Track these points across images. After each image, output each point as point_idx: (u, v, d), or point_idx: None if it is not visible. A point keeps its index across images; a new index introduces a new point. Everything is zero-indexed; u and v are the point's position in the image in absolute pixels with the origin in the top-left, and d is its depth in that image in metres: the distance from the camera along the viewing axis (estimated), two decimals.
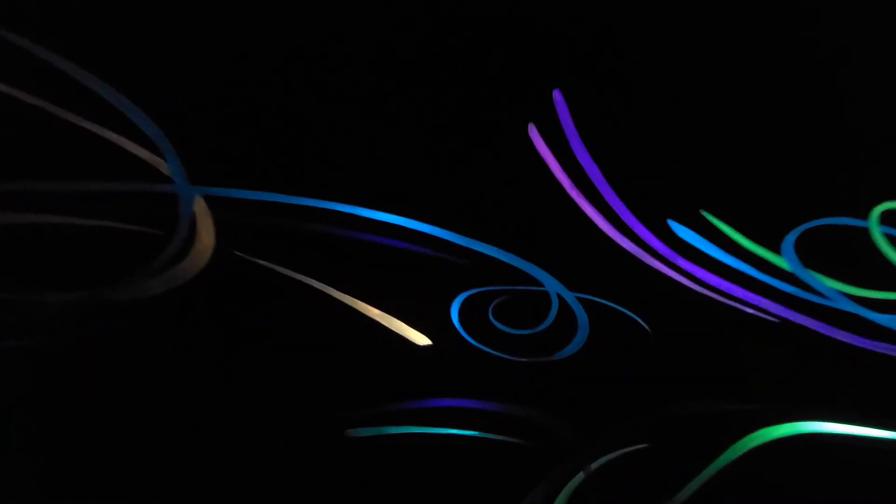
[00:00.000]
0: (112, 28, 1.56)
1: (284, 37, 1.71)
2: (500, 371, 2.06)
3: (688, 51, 2.16)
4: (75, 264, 1.53)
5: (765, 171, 2.25)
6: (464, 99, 1.92)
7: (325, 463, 1.76)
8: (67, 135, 1.51)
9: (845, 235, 2.32)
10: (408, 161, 1.90)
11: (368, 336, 1.91)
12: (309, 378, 1.82)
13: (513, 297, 2.08)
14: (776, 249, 2.30)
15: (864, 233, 2.28)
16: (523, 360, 2.08)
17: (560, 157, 2.11)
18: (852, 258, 2.33)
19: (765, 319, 2.31)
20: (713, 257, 2.27)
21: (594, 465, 2.08)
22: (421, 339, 1.98)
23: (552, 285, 2.13)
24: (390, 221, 1.95)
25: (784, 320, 2.31)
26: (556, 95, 2.11)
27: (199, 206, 1.70)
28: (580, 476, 2.05)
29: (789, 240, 2.31)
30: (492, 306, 2.06)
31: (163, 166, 1.66)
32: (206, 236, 1.71)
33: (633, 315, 2.20)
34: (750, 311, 2.31)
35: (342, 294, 1.89)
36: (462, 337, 2.02)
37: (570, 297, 2.15)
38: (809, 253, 2.32)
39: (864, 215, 2.28)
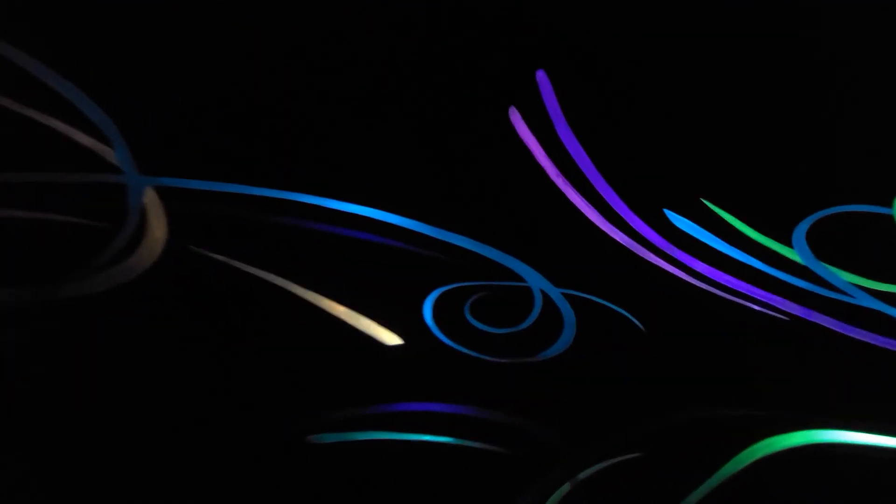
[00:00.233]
0: (56, 13, 1.42)
1: (240, 19, 1.55)
2: (477, 373, 1.85)
3: (684, 24, 1.92)
4: (16, 259, 1.40)
5: (772, 154, 1.99)
6: (439, 81, 1.72)
7: (284, 471, 1.58)
8: (9, 124, 1.38)
9: (864, 224, 2.04)
10: (377, 148, 1.71)
11: (333, 335, 1.72)
12: (268, 380, 1.64)
13: (492, 293, 1.87)
14: (786, 241, 2.04)
15: (887, 221, 2.00)
16: (504, 361, 1.86)
17: (544, 143, 1.89)
18: (873, 249, 2.05)
19: (773, 317, 2.05)
20: (715, 249, 2.02)
21: (581, 476, 1.85)
22: (391, 339, 1.79)
23: (535, 281, 1.91)
24: (357, 213, 1.76)
25: (795, 318, 2.04)
26: (540, 76, 1.89)
27: (150, 198, 1.54)
28: (566, 488, 1.82)
29: (801, 230, 2.04)
30: (468, 303, 1.85)
31: (111, 155, 1.51)
32: (158, 229, 1.55)
33: (625, 313, 1.97)
34: (756, 308, 2.05)
35: (305, 290, 1.71)
36: (435, 336, 1.82)
37: (555, 293, 1.93)
38: (824, 244, 2.05)
39: (887, 202, 2.01)
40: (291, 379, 1.67)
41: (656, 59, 1.94)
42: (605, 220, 1.96)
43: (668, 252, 2.00)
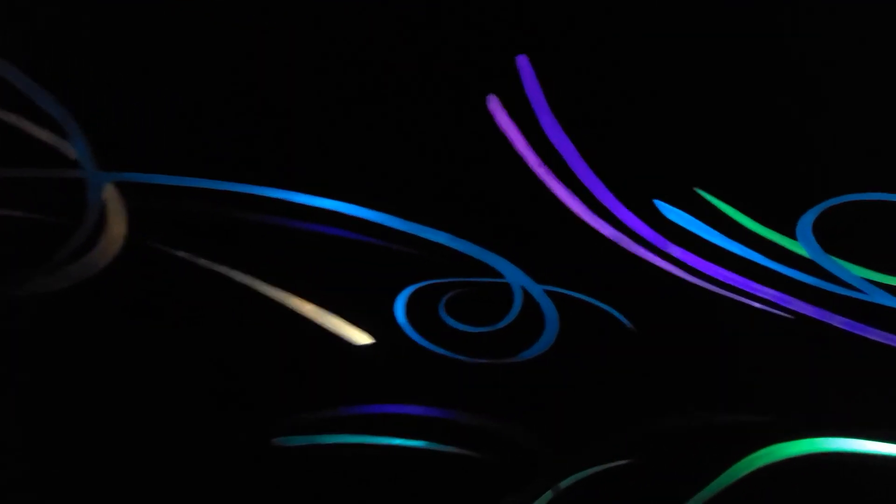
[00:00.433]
0: (10, 2, 1.36)
1: (199, 10, 1.46)
2: (453, 374, 1.71)
3: (675, 1, 1.74)
4: None
5: (773, 138, 1.80)
6: (411, 67, 1.59)
7: (248, 475, 1.48)
8: None
9: (878, 214, 1.84)
10: (345, 139, 1.59)
11: (301, 335, 1.61)
12: (233, 381, 1.54)
13: (468, 290, 1.73)
14: (790, 233, 1.84)
15: None
16: (481, 361, 1.72)
17: (525, 131, 1.74)
18: (887, 242, 1.84)
19: (776, 315, 1.85)
20: (711, 243, 1.84)
21: (564, 484, 1.70)
22: (361, 338, 1.66)
23: (515, 277, 1.76)
24: (325, 207, 1.64)
25: (800, 316, 1.84)
26: (521, 61, 1.74)
27: (110, 193, 1.46)
28: (548, 496, 1.67)
29: (806, 221, 1.84)
30: (443, 301, 1.71)
31: (69, 150, 1.44)
32: (117, 226, 1.47)
33: (612, 310, 1.80)
34: (757, 305, 1.86)
35: (271, 288, 1.60)
36: (408, 336, 1.69)
37: (536, 290, 1.77)
38: (833, 236, 1.85)
39: None
40: (256, 379, 1.56)
41: (645, 40, 1.77)
42: (590, 213, 1.80)
43: (659, 246, 1.82)
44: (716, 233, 1.82)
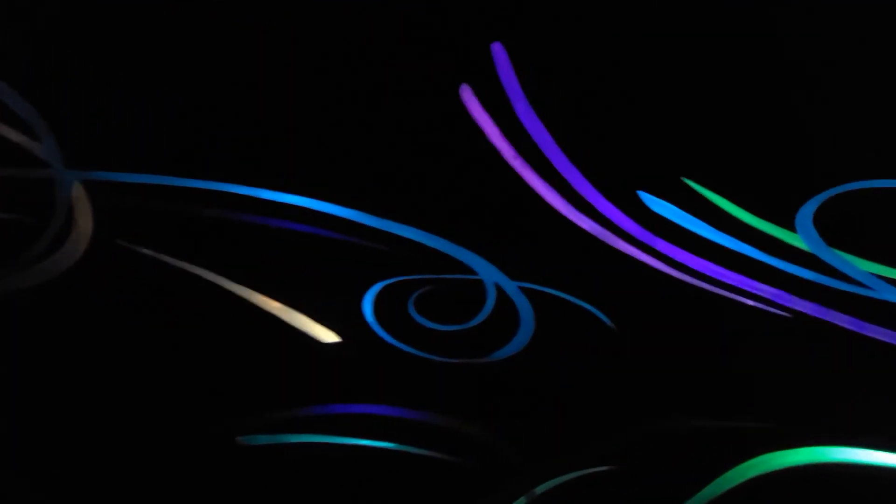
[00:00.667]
0: None
1: (164, 8, 1.40)
2: (422, 374, 1.60)
3: None
4: None
5: (767, 121, 1.62)
6: (380, 56, 1.49)
7: (211, 473, 1.41)
8: None
9: (885, 203, 1.63)
10: (314, 132, 1.51)
11: (267, 332, 1.53)
12: (198, 379, 1.48)
13: (439, 287, 1.62)
14: (789, 224, 1.66)
15: None
16: (451, 361, 1.61)
17: (500, 122, 1.62)
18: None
19: (772, 314, 1.67)
20: (699, 236, 1.67)
21: (539, 490, 1.56)
22: (327, 336, 1.58)
23: (488, 273, 1.64)
24: (291, 203, 1.56)
25: (799, 314, 1.65)
26: (496, 49, 1.62)
27: (78, 192, 1.43)
28: (523, 502, 1.55)
29: (807, 211, 1.65)
30: (412, 298, 1.61)
31: (38, 149, 1.41)
32: (84, 224, 1.43)
33: (592, 309, 1.66)
34: (751, 303, 1.68)
35: (237, 285, 1.54)
36: (376, 334, 1.59)
37: (510, 286, 1.65)
38: (835, 228, 1.66)
39: None
40: (221, 377, 1.49)
41: (626, 22, 1.62)
42: (568, 206, 1.66)
43: (643, 240, 1.66)
44: (705, 225, 1.65)
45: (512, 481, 1.52)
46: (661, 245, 1.63)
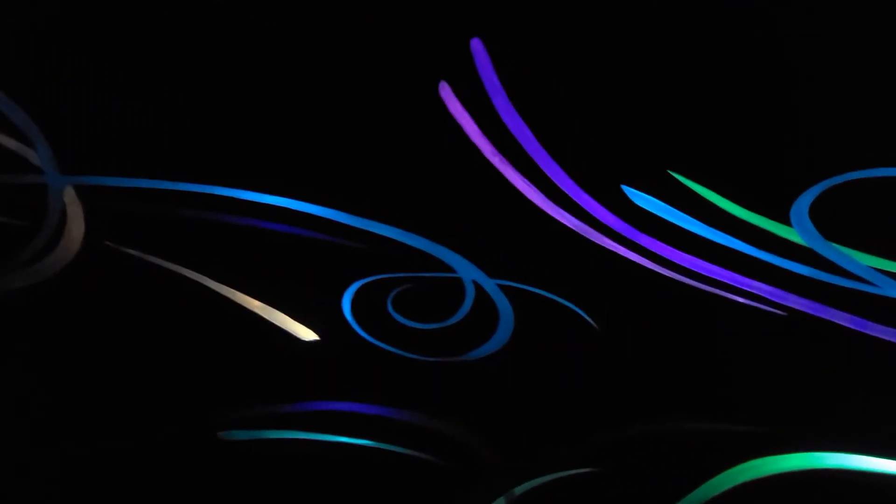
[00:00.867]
0: None
1: (150, 15, 1.40)
2: (400, 372, 1.55)
3: None
4: None
5: (758, 109, 1.49)
6: (357, 54, 1.45)
7: (195, 467, 1.40)
8: None
9: (888, 193, 1.48)
10: (291, 131, 1.48)
11: (248, 330, 1.51)
12: (181, 375, 1.47)
13: (417, 285, 1.56)
14: (783, 218, 1.53)
15: None
16: (429, 359, 1.55)
17: (479, 119, 1.55)
18: None
19: (765, 312, 1.54)
20: (687, 231, 1.55)
21: (518, 491, 1.49)
22: (307, 334, 1.55)
23: (466, 271, 1.57)
24: (271, 203, 1.54)
25: (794, 312, 1.52)
26: (476, 45, 1.55)
27: (70, 196, 1.45)
28: (501, 502, 1.47)
29: (802, 203, 1.51)
30: (391, 296, 1.56)
31: (33, 156, 1.44)
32: (76, 227, 1.45)
33: (572, 306, 1.57)
34: (742, 300, 1.55)
35: (219, 284, 1.52)
36: (355, 332, 1.55)
37: (489, 284, 1.57)
38: (833, 220, 1.52)
39: None
40: (203, 374, 1.48)
41: (606, 14, 1.53)
42: (549, 202, 1.57)
43: (626, 235, 1.56)
44: (693, 220, 1.53)
45: (490, 481, 1.44)
46: (646, 241, 1.52)
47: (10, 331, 1.38)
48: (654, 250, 1.44)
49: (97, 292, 1.40)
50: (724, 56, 1.37)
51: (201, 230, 1.42)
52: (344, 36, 1.39)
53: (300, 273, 1.43)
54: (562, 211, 1.46)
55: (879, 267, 1.36)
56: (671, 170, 1.41)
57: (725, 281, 1.42)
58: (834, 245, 1.37)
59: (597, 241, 1.44)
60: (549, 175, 1.46)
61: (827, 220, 1.37)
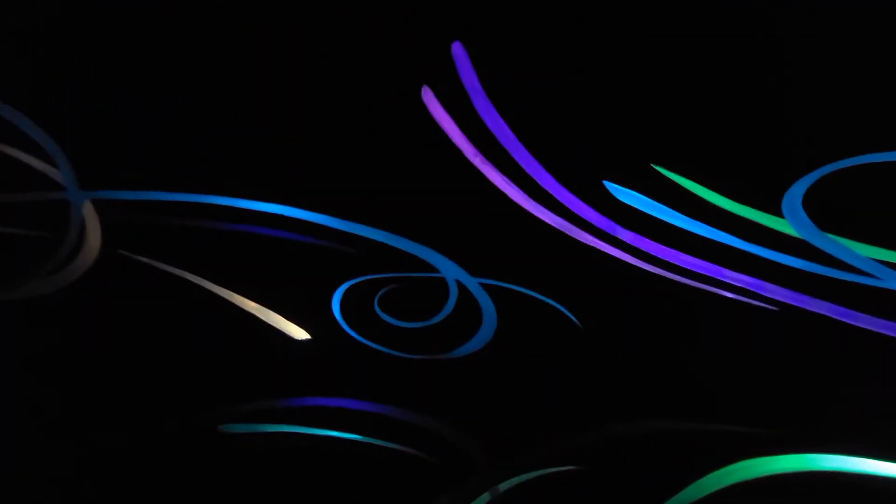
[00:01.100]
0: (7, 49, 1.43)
1: (155, 41, 1.42)
2: (387, 369, 1.51)
3: None
4: None
5: (743, 100, 1.36)
6: (342, 63, 1.42)
7: (198, 457, 1.42)
8: None
9: (888, 179, 1.32)
10: (280, 141, 1.48)
11: (245, 330, 1.52)
12: (186, 372, 1.50)
13: (402, 285, 1.52)
14: (774, 209, 1.39)
15: None
16: (414, 357, 1.51)
17: (461, 121, 1.50)
18: None
19: (756, 307, 1.41)
20: (672, 225, 1.44)
21: (503, 487, 1.42)
22: (299, 333, 1.54)
23: (450, 270, 1.52)
24: (264, 210, 1.54)
25: (786, 307, 1.38)
26: (456, 49, 1.50)
27: (88, 210, 1.50)
28: (486, 498, 1.42)
29: (795, 193, 1.37)
30: (377, 296, 1.53)
31: (56, 174, 1.50)
32: (94, 238, 1.51)
33: (556, 304, 1.49)
34: (730, 295, 1.43)
35: (218, 287, 1.54)
36: (344, 331, 1.53)
37: (472, 283, 1.52)
38: (828, 210, 1.37)
39: None
40: (205, 370, 1.50)
41: (583, 10, 1.44)
42: (530, 200, 1.50)
43: (609, 231, 1.47)
44: (677, 214, 1.41)
45: (475, 477, 1.39)
46: (628, 236, 1.42)
47: (38, 331, 1.45)
48: (637, 246, 1.34)
49: (112, 296, 1.44)
50: (704, 49, 1.26)
51: (202, 237, 1.44)
52: (330, 44, 1.37)
53: (292, 275, 1.42)
54: (543, 209, 1.38)
55: (881, 258, 1.21)
56: (654, 164, 1.31)
57: (712, 276, 1.31)
58: (830, 236, 1.23)
59: (579, 239, 1.36)
60: (530, 174, 1.39)
61: (822, 210, 1.24)
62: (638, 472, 1.17)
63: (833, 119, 1.16)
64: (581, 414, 1.24)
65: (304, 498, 1.25)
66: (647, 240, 1.27)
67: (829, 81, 1.15)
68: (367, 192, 1.35)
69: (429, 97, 1.36)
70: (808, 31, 1.10)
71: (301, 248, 1.36)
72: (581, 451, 1.21)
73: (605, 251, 1.27)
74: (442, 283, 1.31)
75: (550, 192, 1.32)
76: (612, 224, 1.28)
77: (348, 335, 1.33)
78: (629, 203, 1.27)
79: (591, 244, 1.28)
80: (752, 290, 1.22)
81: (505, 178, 1.33)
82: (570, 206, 1.31)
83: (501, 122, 1.32)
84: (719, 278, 1.24)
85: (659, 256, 1.26)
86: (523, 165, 1.33)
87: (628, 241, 1.27)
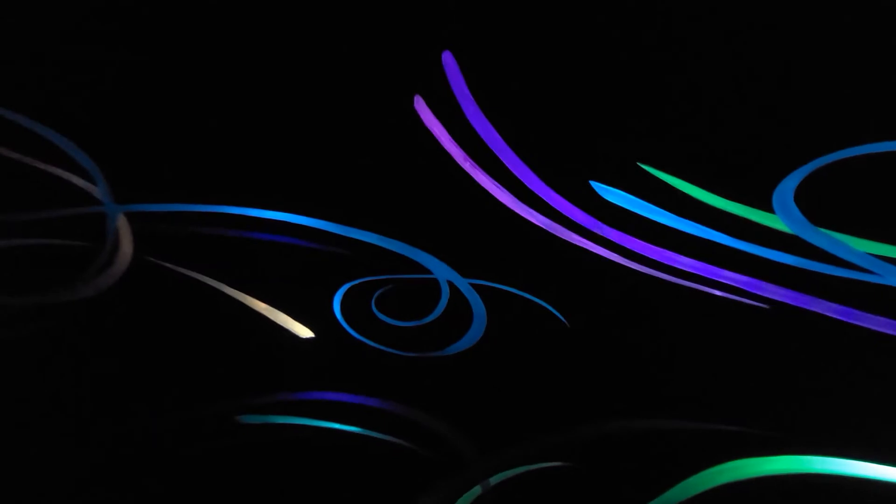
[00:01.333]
0: (55, 83, 1.52)
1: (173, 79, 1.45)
2: (384, 366, 1.50)
3: None
4: (29, 274, 1.57)
5: (728, 94, 1.26)
6: (337, 76, 1.41)
7: (218, 444, 1.46)
8: (25, 175, 1.54)
9: (886, 170, 1.19)
10: (288, 153, 1.50)
11: (256, 329, 1.56)
12: (207, 367, 1.54)
13: (397, 286, 1.51)
14: (764, 205, 1.29)
15: None
16: (409, 354, 1.49)
17: (451, 127, 1.47)
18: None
19: (746, 305, 1.31)
20: (659, 224, 1.36)
21: (493, 481, 1.38)
22: (304, 332, 1.56)
23: (441, 272, 1.49)
24: (273, 218, 1.56)
25: (778, 305, 1.27)
26: (447, 58, 1.47)
27: (122, 222, 1.59)
28: (476, 490, 1.38)
29: (786, 188, 1.26)
30: (374, 297, 1.52)
31: (95, 191, 1.59)
32: (127, 246, 1.58)
33: (544, 304, 1.43)
34: (719, 293, 1.33)
35: (233, 290, 1.58)
36: (344, 330, 1.53)
37: (462, 284, 1.48)
38: (822, 205, 1.26)
39: None
40: (223, 365, 1.54)
41: (565, 16, 1.39)
42: (519, 203, 1.46)
43: (596, 231, 1.40)
44: (665, 212, 1.33)
45: (467, 470, 1.36)
46: (615, 235, 1.35)
47: (80, 329, 1.54)
48: (624, 245, 1.27)
49: (143, 297, 1.52)
50: (686, 41, 1.19)
51: (218, 244, 1.49)
52: (327, 64, 1.38)
53: (298, 278, 1.45)
54: (531, 210, 1.34)
55: (879, 253, 1.10)
56: (642, 162, 1.24)
57: (702, 274, 1.23)
58: (824, 231, 1.13)
59: (567, 239, 1.31)
60: (518, 176, 1.35)
61: (816, 204, 1.14)
62: (625, 470, 1.10)
63: (826, 110, 1.06)
64: (569, 411, 1.18)
65: (306, 483, 1.26)
66: (633, 238, 1.20)
67: (819, 72, 1.05)
68: (365, 198, 1.35)
69: (421, 106, 1.34)
70: (795, 24, 1.01)
71: (306, 252, 1.37)
72: (569, 448, 1.16)
73: (593, 251, 1.22)
74: (434, 283, 1.29)
75: (538, 193, 1.27)
76: (599, 223, 1.22)
77: (348, 334, 1.33)
78: (615, 202, 1.21)
79: (579, 244, 1.23)
80: (743, 288, 1.13)
81: (493, 181, 1.29)
82: (557, 207, 1.26)
83: (489, 126, 1.29)
84: (709, 276, 1.15)
85: (646, 255, 1.19)
86: (511, 168, 1.29)
87: (615, 240, 1.21)
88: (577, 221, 1.18)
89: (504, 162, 1.25)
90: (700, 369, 1.09)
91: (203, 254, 1.37)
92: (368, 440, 1.23)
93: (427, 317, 1.24)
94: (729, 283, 1.08)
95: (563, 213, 1.20)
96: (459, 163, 1.27)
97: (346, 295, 1.29)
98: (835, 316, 1.01)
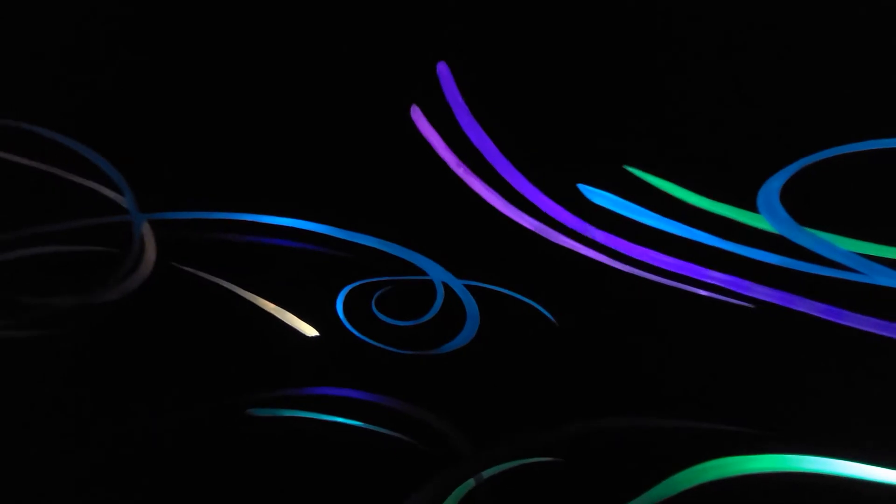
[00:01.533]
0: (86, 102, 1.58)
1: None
2: (383, 363, 1.51)
3: None
4: (61, 278, 1.63)
5: (712, 92, 1.22)
6: (334, 85, 1.42)
7: (230, 435, 1.49)
8: (59, 187, 1.61)
9: (872, 168, 1.14)
10: (290, 164, 1.52)
11: (265, 328, 1.59)
12: (221, 363, 1.57)
13: (395, 288, 1.51)
14: (749, 204, 1.24)
15: None
16: (406, 352, 1.49)
17: (445, 134, 1.47)
18: (889, 202, 1.13)
19: (731, 304, 1.26)
20: (645, 225, 1.32)
21: (486, 474, 1.36)
22: (310, 331, 1.58)
23: (436, 273, 1.49)
24: (279, 224, 1.59)
25: (765, 305, 1.22)
26: (441, 68, 1.47)
27: (146, 229, 1.64)
28: (470, 483, 1.37)
29: (771, 187, 1.22)
30: (374, 298, 1.53)
31: (122, 200, 1.65)
32: (150, 252, 1.64)
33: (534, 304, 1.41)
34: (704, 293, 1.28)
35: (245, 291, 1.61)
36: (347, 329, 1.54)
37: (457, 285, 1.48)
38: (807, 204, 1.20)
39: None
40: (235, 361, 1.58)
41: (552, 21, 1.37)
42: (510, 206, 1.45)
43: (583, 233, 1.38)
44: (650, 213, 1.30)
45: (461, 464, 1.36)
46: (602, 237, 1.33)
47: (107, 329, 1.60)
48: (611, 246, 1.25)
49: (165, 300, 1.56)
50: (671, 42, 1.16)
51: (231, 249, 1.53)
52: (324, 65, 1.40)
53: (304, 280, 1.47)
54: (522, 213, 1.33)
55: (865, 252, 1.05)
56: (628, 165, 1.22)
57: (687, 274, 1.19)
58: (809, 231, 1.09)
59: (556, 241, 1.29)
60: (509, 181, 1.34)
61: (801, 203, 1.10)
62: (612, 466, 1.08)
63: (811, 110, 1.02)
64: (558, 408, 1.16)
65: (310, 475, 1.27)
66: (620, 239, 1.17)
67: (804, 72, 1.01)
68: (364, 203, 1.37)
69: (417, 115, 1.35)
70: (779, 25, 0.98)
71: (311, 256, 1.39)
72: (557, 444, 1.14)
73: (581, 252, 1.20)
74: (430, 285, 1.29)
75: (528, 197, 1.26)
76: (587, 225, 1.20)
77: (350, 333, 1.35)
78: (602, 205, 1.19)
79: (568, 246, 1.21)
80: (729, 287, 1.09)
81: (486, 185, 1.29)
82: (546, 210, 1.24)
83: (482, 132, 1.29)
84: (695, 276, 1.12)
85: (633, 256, 1.17)
86: (502, 173, 1.28)
87: (602, 242, 1.19)
88: (566, 224, 1.16)
89: (495, 167, 1.24)
90: (686, 368, 1.06)
91: (218, 258, 1.41)
92: (367, 433, 1.24)
93: (423, 316, 1.23)
94: (715, 283, 1.05)
95: (552, 215, 1.18)
96: (453, 168, 1.26)
97: (348, 296, 1.31)
98: (820, 315, 0.96)
